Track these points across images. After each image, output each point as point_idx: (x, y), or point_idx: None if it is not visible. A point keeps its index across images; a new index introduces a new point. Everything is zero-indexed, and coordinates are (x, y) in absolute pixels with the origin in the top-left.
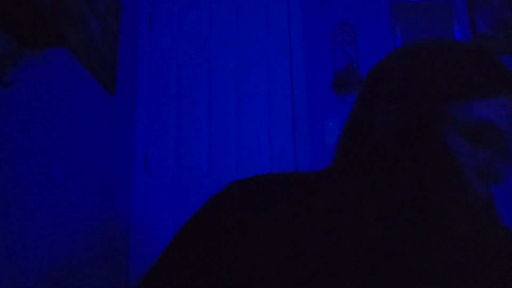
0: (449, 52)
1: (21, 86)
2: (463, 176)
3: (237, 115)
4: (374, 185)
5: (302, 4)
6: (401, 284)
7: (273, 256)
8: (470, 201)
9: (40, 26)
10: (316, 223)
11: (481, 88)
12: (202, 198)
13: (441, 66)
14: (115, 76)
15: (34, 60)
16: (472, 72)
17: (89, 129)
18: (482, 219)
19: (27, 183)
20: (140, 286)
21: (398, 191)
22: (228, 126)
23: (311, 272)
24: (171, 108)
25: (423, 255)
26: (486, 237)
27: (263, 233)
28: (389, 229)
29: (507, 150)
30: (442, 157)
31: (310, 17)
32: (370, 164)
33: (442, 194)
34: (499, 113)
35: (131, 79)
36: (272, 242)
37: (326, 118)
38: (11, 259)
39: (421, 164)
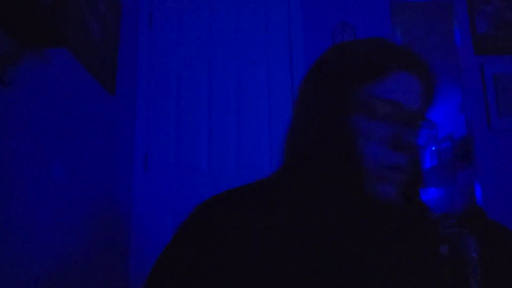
0: (355, 45)
1: (21, 86)
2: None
3: (237, 115)
4: (312, 185)
5: (302, 4)
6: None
7: (256, 268)
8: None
9: (40, 26)
10: (289, 235)
11: (382, 70)
12: (202, 198)
13: (348, 57)
14: (115, 76)
15: (34, 60)
16: (374, 58)
17: (89, 129)
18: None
19: (27, 183)
20: None
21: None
22: (228, 126)
23: (290, 281)
24: (171, 108)
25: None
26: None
27: (243, 247)
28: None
29: (409, 120)
30: (346, 141)
31: (310, 17)
32: (304, 162)
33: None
34: (398, 89)
35: (131, 79)
36: (252, 255)
37: None
38: (11, 259)
39: (331, 153)
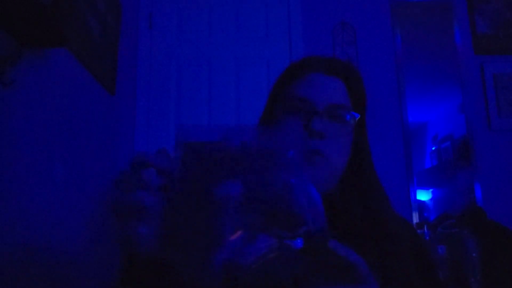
0: (294, 60)
1: (21, 86)
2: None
3: (237, 115)
4: None
5: (302, 4)
6: None
7: None
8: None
9: (40, 26)
10: None
11: (297, 73)
12: None
13: (285, 69)
14: (115, 76)
15: (34, 60)
16: (295, 65)
17: (89, 129)
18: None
19: (27, 183)
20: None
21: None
22: None
23: None
24: (171, 108)
25: None
26: None
27: None
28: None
29: (316, 112)
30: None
31: (310, 17)
32: None
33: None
34: (308, 87)
35: (131, 79)
36: None
37: None
38: (11, 258)
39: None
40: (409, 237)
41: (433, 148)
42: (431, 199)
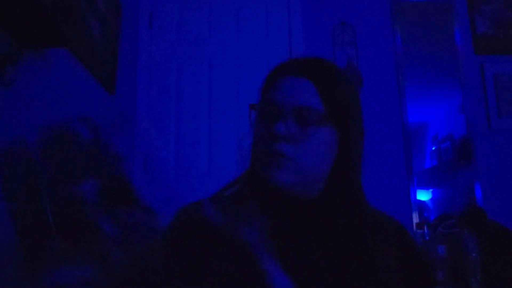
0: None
1: (21, 86)
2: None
3: (237, 115)
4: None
5: (302, 4)
6: None
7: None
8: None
9: (40, 26)
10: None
11: (269, 80)
12: (202, 197)
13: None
14: (115, 76)
15: (34, 60)
16: (270, 73)
17: None
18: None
19: None
20: None
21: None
22: (228, 127)
23: None
24: (171, 108)
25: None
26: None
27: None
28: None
29: (283, 114)
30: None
31: (310, 17)
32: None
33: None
34: (278, 91)
35: (131, 79)
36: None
37: None
38: (11, 259)
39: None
40: (394, 243)
41: (433, 148)
42: (431, 199)
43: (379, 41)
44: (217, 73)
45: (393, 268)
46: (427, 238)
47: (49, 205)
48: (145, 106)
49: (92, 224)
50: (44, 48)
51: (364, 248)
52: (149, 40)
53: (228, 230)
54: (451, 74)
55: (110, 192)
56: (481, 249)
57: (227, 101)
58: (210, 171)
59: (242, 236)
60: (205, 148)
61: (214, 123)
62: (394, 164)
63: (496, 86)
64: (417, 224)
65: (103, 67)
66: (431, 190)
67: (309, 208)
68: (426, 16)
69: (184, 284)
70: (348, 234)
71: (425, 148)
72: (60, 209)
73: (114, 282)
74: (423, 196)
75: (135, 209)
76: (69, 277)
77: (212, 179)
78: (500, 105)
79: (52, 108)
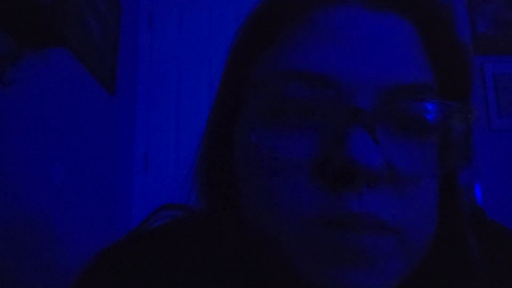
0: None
1: (21, 86)
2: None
3: None
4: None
5: None
6: None
7: None
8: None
9: (40, 26)
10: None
11: (291, 11)
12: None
13: (250, 13)
14: (115, 76)
15: (34, 60)
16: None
17: (89, 129)
18: None
19: (27, 183)
20: None
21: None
22: None
23: None
24: (171, 108)
25: None
26: None
27: None
28: None
29: (347, 119)
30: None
31: None
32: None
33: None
34: (329, 47)
35: (131, 79)
36: None
37: None
38: (11, 260)
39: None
40: None
41: None
42: None
43: None
44: (217, 73)
45: None
46: None
47: None
48: (145, 106)
49: None
50: (44, 48)
51: None
52: (149, 40)
53: None
54: None
55: None
56: (481, 249)
57: None
58: None
59: None
60: None
61: None
62: None
63: (496, 86)
64: None
65: (103, 67)
66: None
67: None
68: None
69: None
70: None
71: None
72: None
73: None
74: None
75: None
76: None
77: None
78: (500, 105)
79: (52, 108)
